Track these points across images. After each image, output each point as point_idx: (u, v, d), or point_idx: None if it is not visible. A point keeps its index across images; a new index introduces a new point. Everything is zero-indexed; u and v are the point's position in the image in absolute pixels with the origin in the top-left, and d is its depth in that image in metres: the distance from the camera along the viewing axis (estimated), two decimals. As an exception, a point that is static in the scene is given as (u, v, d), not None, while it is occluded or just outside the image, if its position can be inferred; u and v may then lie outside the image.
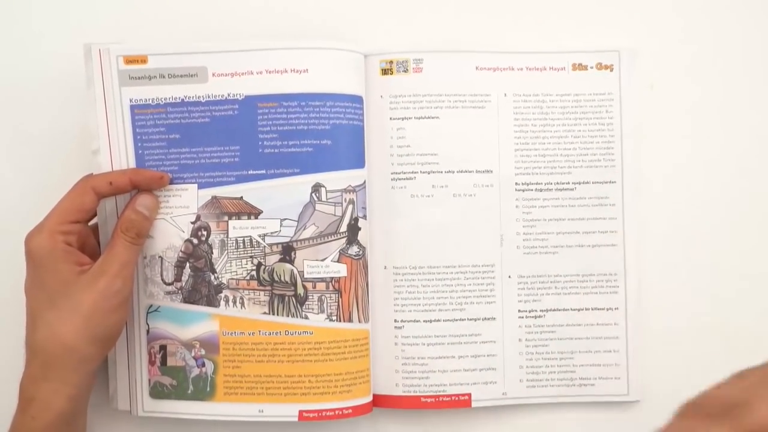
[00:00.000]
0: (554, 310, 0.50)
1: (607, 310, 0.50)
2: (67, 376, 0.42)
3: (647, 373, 0.50)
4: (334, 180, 0.47)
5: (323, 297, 0.48)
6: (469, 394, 0.49)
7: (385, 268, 0.50)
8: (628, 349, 0.50)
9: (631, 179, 0.50)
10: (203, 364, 0.48)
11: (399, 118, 0.49)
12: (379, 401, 0.50)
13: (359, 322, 0.48)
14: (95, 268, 0.44)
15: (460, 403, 0.49)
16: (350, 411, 0.48)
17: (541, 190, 0.50)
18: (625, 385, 0.50)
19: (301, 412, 0.47)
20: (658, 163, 0.51)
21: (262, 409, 0.48)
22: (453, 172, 0.50)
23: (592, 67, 0.50)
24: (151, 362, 0.49)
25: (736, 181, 0.52)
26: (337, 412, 0.47)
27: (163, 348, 0.48)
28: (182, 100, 0.47)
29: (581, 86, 0.50)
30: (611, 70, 0.50)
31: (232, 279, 0.48)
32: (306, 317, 0.47)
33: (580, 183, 0.50)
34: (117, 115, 0.47)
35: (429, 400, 0.49)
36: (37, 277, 0.43)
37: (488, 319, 0.50)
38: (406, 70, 0.49)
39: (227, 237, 0.48)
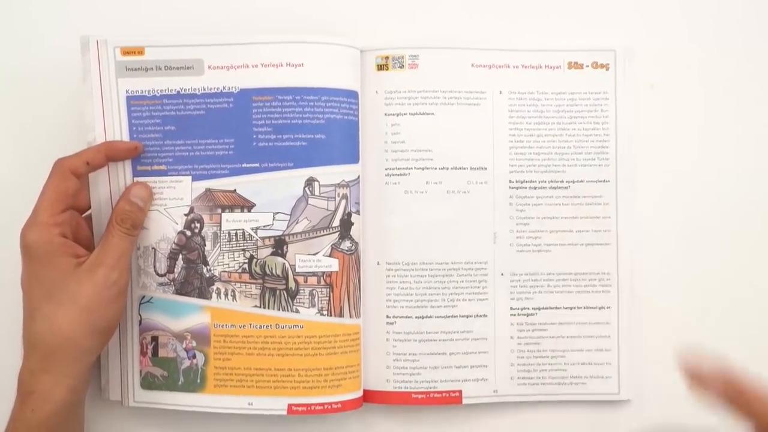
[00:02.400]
0: (546, 308, 0.50)
1: (600, 309, 0.50)
2: (68, 368, 0.43)
3: (639, 373, 0.50)
4: (328, 174, 0.47)
5: (314, 291, 0.48)
6: (460, 391, 0.49)
7: (378, 263, 0.50)
8: (619, 348, 0.50)
9: (624, 178, 0.50)
10: (194, 356, 0.48)
11: (394, 114, 0.49)
12: (370, 396, 0.49)
13: (350, 317, 0.48)
14: (92, 259, 0.44)
15: (451, 399, 0.49)
16: (339, 405, 0.47)
17: (535, 188, 0.50)
18: (617, 384, 0.50)
19: (290, 405, 0.47)
20: (652, 162, 0.51)
21: (252, 402, 0.48)
22: (447, 168, 0.49)
23: (587, 66, 0.50)
24: (143, 353, 0.49)
25: (732, 180, 0.51)
26: (326, 406, 0.47)
27: (155, 339, 0.49)
28: (178, 92, 0.48)
29: (576, 85, 0.50)
30: (607, 69, 0.50)
31: (224, 271, 0.48)
32: (297, 311, 0.47)
33: (574, 181, 0.50)
34: (113, 107, 0.47)
35: (420, 396, 0.49)
36: (34, 272, 0.43)
37: (480, 316, 0.50)
38: (401, 66, 0.49)
39: (220, 229, 0.48)
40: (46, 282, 0.43)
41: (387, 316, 0.49)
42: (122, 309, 0.46)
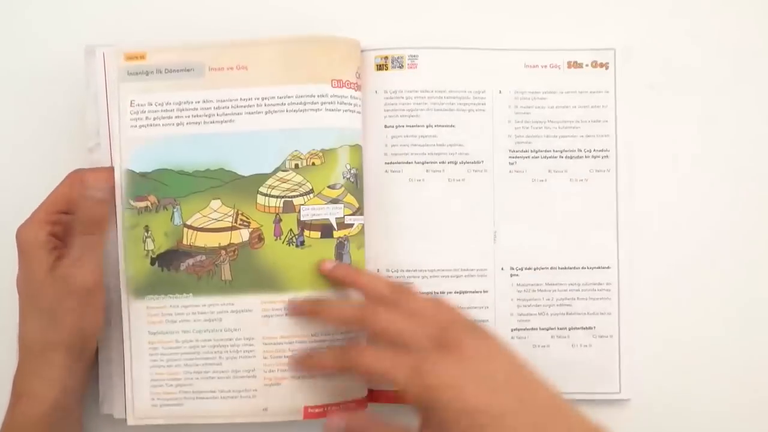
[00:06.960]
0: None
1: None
2: (56, 371, 0.43)
3: (639, 372, 0.50)
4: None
5: None
6: (462, 390, 0.49)
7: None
8: (620, 348, 0.50)
9: (624, 177, 0.50)
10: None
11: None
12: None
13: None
14: (62, 262, 0.43)
15: (453, 398, 0.49)
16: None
17: (536, 188, 0.50)
18: (617, 383, 0.50)
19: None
20: (651, 161, 0.51)
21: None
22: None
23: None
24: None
25: (731, 180, 0.52)
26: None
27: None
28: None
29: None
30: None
31: None
32: None
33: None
34: (116, 112, 0.47)
35: (422, 395, 0.49)
36: (23, 270, 0.43)
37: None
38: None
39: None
40: (32, 281, 0.43)
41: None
42: (99, 311, 0.44)
